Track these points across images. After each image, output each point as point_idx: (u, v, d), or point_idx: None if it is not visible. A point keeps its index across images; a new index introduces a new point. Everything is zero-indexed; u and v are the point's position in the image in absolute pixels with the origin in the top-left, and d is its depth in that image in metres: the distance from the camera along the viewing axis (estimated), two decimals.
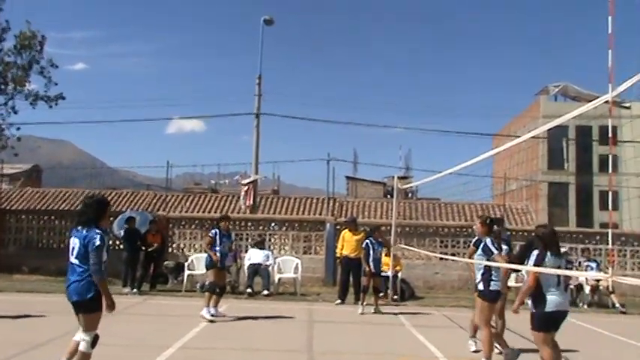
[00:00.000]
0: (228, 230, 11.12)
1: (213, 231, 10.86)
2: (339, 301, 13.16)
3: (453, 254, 16.26)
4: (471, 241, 8.92)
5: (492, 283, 7.33)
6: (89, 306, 5.34)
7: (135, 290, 13.89)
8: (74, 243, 5.48)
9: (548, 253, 6.24)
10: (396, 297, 13.97)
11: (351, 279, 13.22)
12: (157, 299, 13.29)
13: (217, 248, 10.58)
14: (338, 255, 13.78)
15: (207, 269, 10.79)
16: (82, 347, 5.34)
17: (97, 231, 5.43)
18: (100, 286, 5.35)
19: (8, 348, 7.28)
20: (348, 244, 13.13)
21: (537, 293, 6.15)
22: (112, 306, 5.42)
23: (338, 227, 16.42)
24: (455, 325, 10.75)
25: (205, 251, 11.23)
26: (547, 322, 6.15)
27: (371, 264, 11.88)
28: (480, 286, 7.42)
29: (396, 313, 12.11)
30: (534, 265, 6.13)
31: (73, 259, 5.43)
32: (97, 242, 5.34)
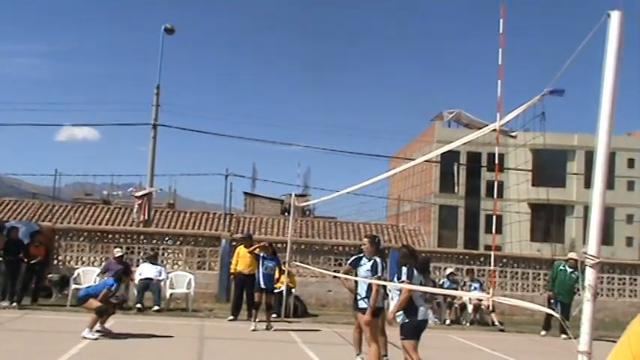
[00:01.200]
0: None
1: (113, 285, 10.26)
2: (231, 317, 13.05)
3: (347, 272, 16.54)
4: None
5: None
6: None
7: (14, 304, 13.09)
8: None
9: (415, 269, 6.83)
10: (286, 315, 14.01)
11: (244, 295, 13.14)
12: (37, 314, 12.58)
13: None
14: (232, 271, 13.67)
15: (83, 302, 10.18)
16: None
17: None
18: None
19: None
20: (242, 260, 13.05)
21: (411, 305, 6.75)
22: None
23: (233, 243, 16.30)
24: (346, 342, 10.92)
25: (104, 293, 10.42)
26: (418, 330, 6.79)
27: (261, 279, 11.87)
28: (364, 303, 7.59)
29: (288, 330, 12.16)
30: (407, 277, 6.62)
31: None
32: None
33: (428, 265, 13.18)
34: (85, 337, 9.50)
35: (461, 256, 18.65)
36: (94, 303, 9.95)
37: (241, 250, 13.23)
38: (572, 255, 14.94)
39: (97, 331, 9.85)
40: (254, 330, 11.66)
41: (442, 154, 9.44)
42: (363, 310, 7.58)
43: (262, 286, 11.87)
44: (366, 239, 8.01)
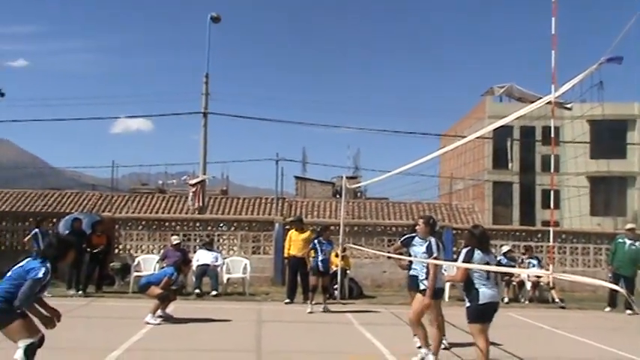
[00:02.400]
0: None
1: (173, 274, 10.57)
2: (287, 300, 13.19)
3: (401, 253, 16.45)
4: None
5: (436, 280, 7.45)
6: None
7: (80, 292, 13.61)
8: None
9: (479, 251, 6.55)
10: (335, 294, 14.04)
11: (299, 278, 13.25)
12: (102, 301, 13.04)
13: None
14: (285, 255, 13.79)
15: (144, 290, 10.54)
16: (16, 356, 5.24)
17: (47, 265, 5.36)
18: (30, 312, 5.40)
19: None
20: (294, 243, 13.15)
21: (471, 288, 6.51)
22: (47, 323, 5.51)
23: (287, 227, 16.42)
24: (402, 323, 10.90)
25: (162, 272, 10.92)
26: (481, 314, 6.49)
27: (319, 263, 11.94)
28: (424, 285, 7.52)
29: (344, 312, 12.22)
30: (464, 261, 6.47)
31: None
32: (40, 275, 5.27)
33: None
34: (148, 323, 9.82)
35: (517, 233, 18.34)
36: (156, 290, 10.25)
37: (293, 234, 13.32)
38: (630, 226, 14.40)
39: (159, 316, 10.16)
40: (311, 312, 11.77)
41: (495, 129, 9.21)
42: (424, 292, 7.52)
43: (321, 269, 11.96)
44: (420, 220, 7.86)
